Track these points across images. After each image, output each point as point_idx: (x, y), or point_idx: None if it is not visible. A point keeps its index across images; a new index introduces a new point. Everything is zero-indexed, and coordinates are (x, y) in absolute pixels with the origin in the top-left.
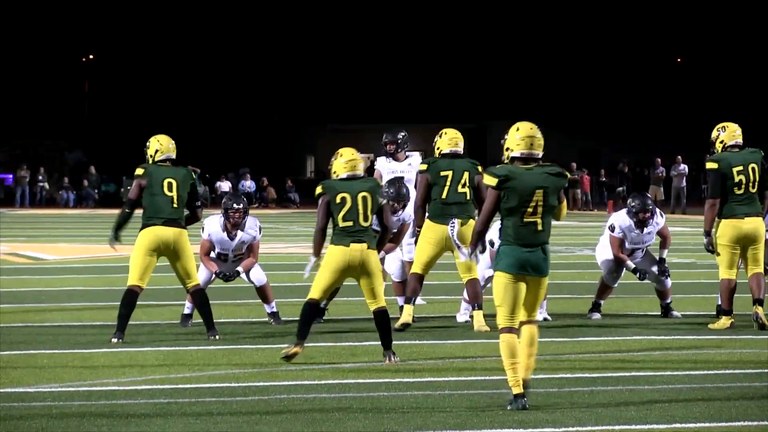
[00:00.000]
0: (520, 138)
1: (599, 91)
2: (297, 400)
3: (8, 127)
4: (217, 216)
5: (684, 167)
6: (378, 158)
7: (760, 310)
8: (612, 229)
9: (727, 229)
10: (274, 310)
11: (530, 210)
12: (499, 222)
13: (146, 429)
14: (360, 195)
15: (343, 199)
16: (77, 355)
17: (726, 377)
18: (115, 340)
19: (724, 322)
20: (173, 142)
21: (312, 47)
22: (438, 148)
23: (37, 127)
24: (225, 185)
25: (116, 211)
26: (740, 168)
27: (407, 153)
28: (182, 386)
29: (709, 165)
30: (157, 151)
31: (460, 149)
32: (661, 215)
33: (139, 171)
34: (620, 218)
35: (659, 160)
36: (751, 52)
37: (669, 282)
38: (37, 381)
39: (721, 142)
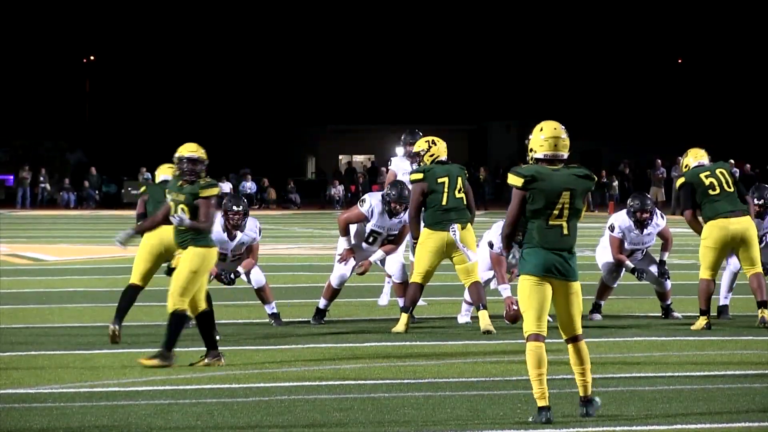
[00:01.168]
0: (544, 138)
1: (600, 92)
2: (298, 401)
3: (9, 127)
4: (217, 216)
5: None
6: (393, 158)
7: (766, 313)
8: (612, 229)
9: (713, 231)
10: (275, 311)
11: (556, 212)
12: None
13: (147, 430)
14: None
15: None
16: (78, 356)
17: (727, 378)
18: (113, 326)
19: (701, 322)
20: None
21: (312, 49)
22: (433, 155)
23: (38, 127)
24: (226, 186)
25: (117, 212)
26: (707, 173)
27: None
28: (183, 387)
29: (678, 182)
30: (158, 175)
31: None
32: (662, 217)
33: (141, 188)
34: (620, 218)
35: (660, 161)
36: (752, 52)
37: (669, 284)
38: (38, 382)
39: (686, 166)
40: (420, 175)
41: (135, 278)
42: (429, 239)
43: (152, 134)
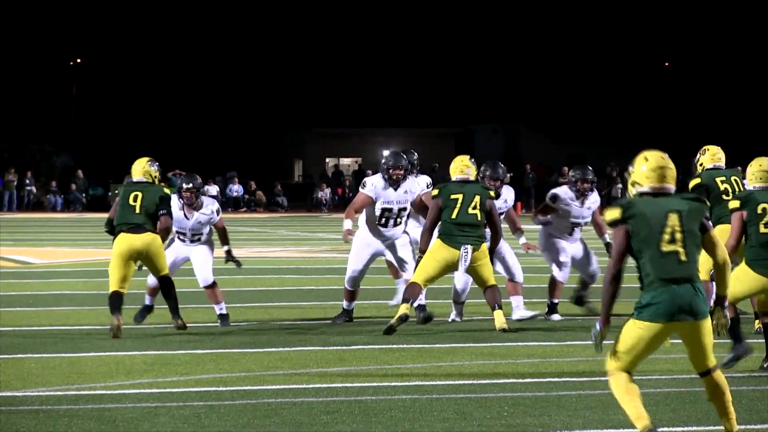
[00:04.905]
0: (650, 169)
1: (587, 95)
2: (285, 404)
3: None
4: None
5: None
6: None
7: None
8: (554, 198)
9: (722, 236)
10: (224, 312)
11: (667, 237)
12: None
13: None
14: None
15: None
16: (64, 359)
17: None
18: (116, 320)
19: None
20: (146, 166)
21: (298, 52)
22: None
23: (25, 131)
24: (213, 189)
25: (104, 215)
26: (723, 178)
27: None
28: (170, 390)
29: (692, 182)
30: (130, 175)
31: (470, 176)
32: (598, 194)
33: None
34: (562, 190)
35: None
36: (738, 56)
37: (599, 275)
38: (25, 385)
39: (701, 164)
40: (436, 192)
41: (114, 285)
42: (440, 250)
43: (139, 138)
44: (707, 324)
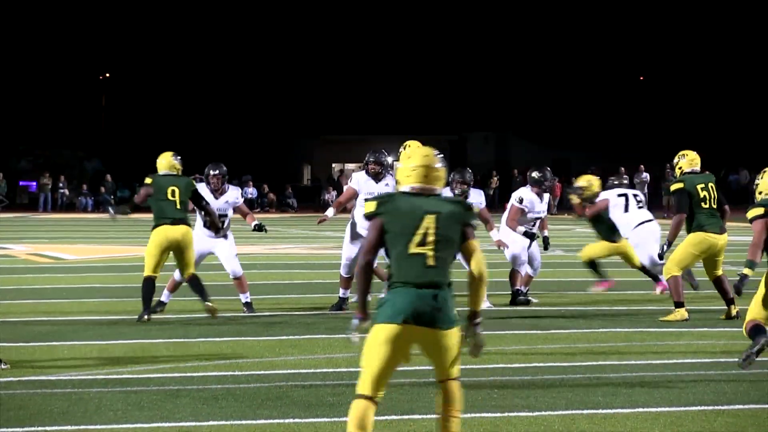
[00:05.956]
0: (411, 168)
1: (570, 105)
2: (295, 388)
3: (32, 138)
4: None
5: (646, 175)
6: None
7: (735, 310)
8: (520, 200)
9: (698, 239)
10: (248, 300)
11: (417, 239)
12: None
13: (157, 413)
14: None
15: None
16: (95, 346)
17: (684, 365)
18: (145, 317)
19: (683, 313)
20: (171, 160)
21: (306, 67)
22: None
23: (59, 138)
24: None
25: (131, 215)
26: (702, 185)
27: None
28: (190, 374)
29: (675, 186)
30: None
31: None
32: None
33: (148, 180)
34: (525, 192)
35: (623, 168)
36: (708, 70)
37: (540, 269)
38: (59, 370)
39: (680, 168)
40: None
41: (148, 271)
42: None
43: (162, 145)
44: (449, 337)
